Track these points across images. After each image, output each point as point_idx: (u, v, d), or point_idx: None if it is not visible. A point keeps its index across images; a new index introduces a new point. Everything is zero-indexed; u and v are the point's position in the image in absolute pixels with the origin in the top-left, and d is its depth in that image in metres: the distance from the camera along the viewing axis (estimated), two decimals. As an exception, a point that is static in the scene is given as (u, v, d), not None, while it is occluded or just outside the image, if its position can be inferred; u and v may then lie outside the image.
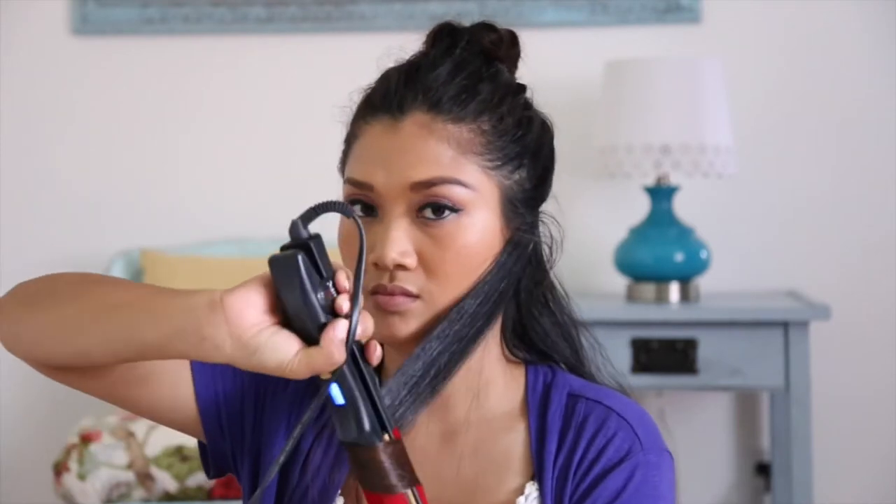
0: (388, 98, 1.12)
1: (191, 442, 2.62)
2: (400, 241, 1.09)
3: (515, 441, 1.15)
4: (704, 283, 3.11)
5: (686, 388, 3.04)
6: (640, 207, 3.13)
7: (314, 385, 1.04)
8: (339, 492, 1.16)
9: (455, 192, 1.10)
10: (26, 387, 3.36)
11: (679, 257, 2.98)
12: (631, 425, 1.13)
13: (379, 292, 1.11)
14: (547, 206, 1.22)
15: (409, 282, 1.10)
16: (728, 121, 3.00)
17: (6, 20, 3.36)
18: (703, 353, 2.84)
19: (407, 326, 1.11)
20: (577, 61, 3.24)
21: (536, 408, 1.16)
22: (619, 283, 3.15)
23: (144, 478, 2.62)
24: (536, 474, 1.12)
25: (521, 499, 1.12)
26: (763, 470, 3.16)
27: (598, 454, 1.12)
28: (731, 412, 3.26)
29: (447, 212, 1.10)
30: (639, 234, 3.04)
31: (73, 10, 3.34)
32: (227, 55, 3.35)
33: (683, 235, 3.02)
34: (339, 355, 0.97)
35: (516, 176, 1.14)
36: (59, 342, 1.09)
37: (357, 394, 1.00)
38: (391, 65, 1.18)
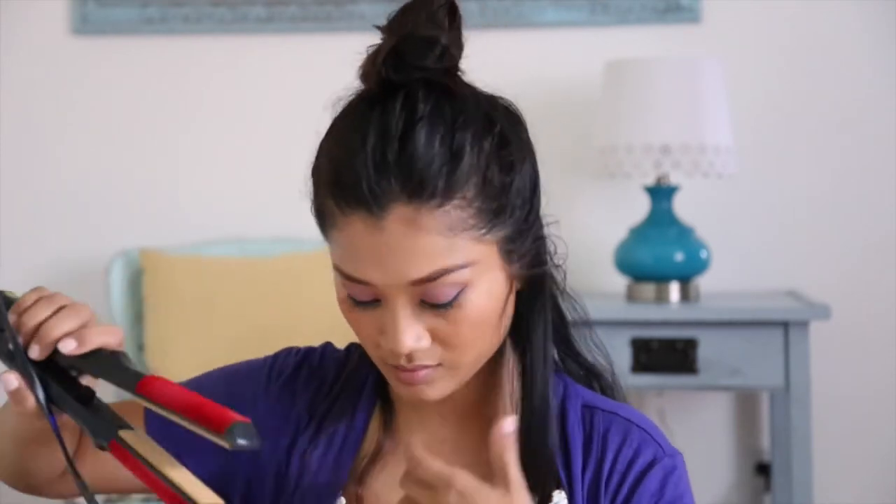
0: (361, 194, 1.03)
1: (191, 442, 2.62)
2: (411, 328, 1.06)
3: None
4: (704, 283, 3.11)
5: (686, 388, 3.04)
6: (640, 207, 3.13)
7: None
8: (341, 492, 1.15)
9: (457, 277, 1.05)
10: (26, 387, 3.36)
11: (679, 257, 2.98)
12: (651, 435, 1.16)
13: (399, 369, 1.09)
14: (545, 205, 1.18)
15: (427, 358, 1.08)
16: (728, 121, 3.00)
17: (6, 20, 3.36)
18: (703, 353, 2.84)
19: (433, 391, 1.10)
20: (577, 61, 3.24)
21: (555, 419, 1.15)
22: (619, 283, 3.15)
23: (144, 478, 2.62)
24: (565, 485, 1.12)
25: None
26: (763, 470, 3.16)
27: (627, 465, 1.13)
28: (731, 412, 3.26)
29: (452, 296, 1.06)
30: (639, 234, 3.04)
31: (73, 10, 3.34)
32: (227, 55, 3.35)
33: (683, 235, 3.02)
34: None
35: (509, 219, 1.08)
36: None
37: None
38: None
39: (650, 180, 3.07)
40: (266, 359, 1.26)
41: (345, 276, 1.07)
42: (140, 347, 3.16)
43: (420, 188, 1.02)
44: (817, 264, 3.22)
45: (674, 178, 3.07)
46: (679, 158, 2.93)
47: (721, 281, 3.19)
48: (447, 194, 1.03)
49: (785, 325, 2.82)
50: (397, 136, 1.03)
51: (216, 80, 3.35)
